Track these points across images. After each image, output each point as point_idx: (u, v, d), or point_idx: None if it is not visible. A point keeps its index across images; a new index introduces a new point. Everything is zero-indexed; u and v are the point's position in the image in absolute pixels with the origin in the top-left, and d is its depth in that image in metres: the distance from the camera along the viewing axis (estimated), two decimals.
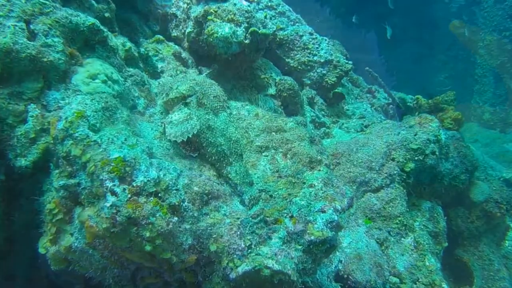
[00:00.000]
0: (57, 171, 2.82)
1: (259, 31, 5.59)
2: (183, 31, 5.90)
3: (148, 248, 2.55)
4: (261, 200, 3.19)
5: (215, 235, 2.85)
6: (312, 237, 2.92)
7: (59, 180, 2.67)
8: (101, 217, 2.51)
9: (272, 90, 6.40)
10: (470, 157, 6.58)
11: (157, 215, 2.59)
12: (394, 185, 5.63)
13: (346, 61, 8.22)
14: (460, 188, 6.56)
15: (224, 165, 3.30)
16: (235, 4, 5.61)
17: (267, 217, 3.06)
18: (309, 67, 7.96)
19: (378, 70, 9.94)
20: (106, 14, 4.09)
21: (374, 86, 10.65)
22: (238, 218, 2.97)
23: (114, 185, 2.56)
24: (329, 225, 3.00)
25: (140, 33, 5.55)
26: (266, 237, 2.95)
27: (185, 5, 5.86)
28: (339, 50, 9.40)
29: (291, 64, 7.81)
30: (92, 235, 2.62)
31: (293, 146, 3.54)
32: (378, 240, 5.24)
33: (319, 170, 3.38)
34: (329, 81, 7.97)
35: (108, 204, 2.51)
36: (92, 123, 2.79)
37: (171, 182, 2.76)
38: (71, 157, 2.69)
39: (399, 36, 20.00)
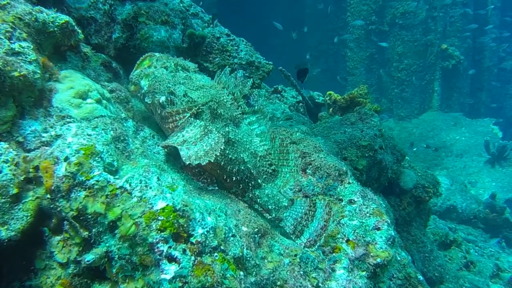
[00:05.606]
0: (59, 238, 1.91)
1: (197, 33, 5.04)
2: (106, 37, 4.92)
3: None
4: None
5: (279, 282, 2.28)
6: (378, 260, 2.57)
7: (87, 254, 1.79)
8: None
9: None
10: (398, 147, 6.98)
11: (228, 275, 1.93)
12: None
13: (267, 62, 8.02)
14: (393, 178, 6.91)
15: (250, 187, 2.69)
16: (166, 4, 4.93)
17: (322, 246, 2.60)
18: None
19: None
20: None
21: (280, 86, 10.71)
22: (295, 255, 2.45)
23: (170, 247, 1.82)
24: (389, 242, 2.68)
25: None
26: (330, 270, 2.50)
27: (107, 7, 4.88)
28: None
29: (210, 69, 7.29)
30: None
31: (312, 159, 3.12)
32: None
33: (350, 183, 3.03)
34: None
35: (168, 276, 1.77)
36: (108, 162, 1.95)
37: (226, 228, 2.11)
38: (88, 216, 1.83)
39: (269, 31, 20.65)
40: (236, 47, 7.93)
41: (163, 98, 2.61)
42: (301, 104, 10.37)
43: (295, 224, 2.67)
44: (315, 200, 2.78)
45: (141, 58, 2.97)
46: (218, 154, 2.39)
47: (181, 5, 7.72)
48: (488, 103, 17.37)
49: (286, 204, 2.72)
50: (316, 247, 2.56)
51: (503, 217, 10.02)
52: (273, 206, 2.70)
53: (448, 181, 11.35)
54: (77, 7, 5.01)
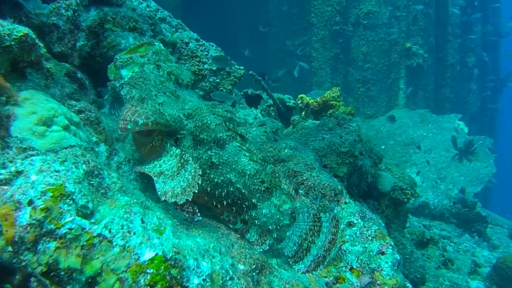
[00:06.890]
0: None
1: (167, 40, 4.75)
2: (70, 45, 4.52)
3: None
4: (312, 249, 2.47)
5: None
6: None
7: None
8: None
9: None
10: (375, 150, 6.89)
11: None
12: None
13: (238, 67, 7.75)
14: (372, 182, 6.82)
15: (245, 208, 2.44)
16: (134, 9, 4.60)
17: (325, 277, 2.37)
18: (200, 77, 7.21)
19: None
20: None
21: (249, 90, 10.46)
22: None
23: None
24: (395, 267, 2.49)
25: None
26: None
27: (70, 13, 4.48)
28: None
29: None
30: None
31: (304, 178, 2.89)
32: None
33: (346, 203, 2.82)
34: (224, 90, 7.36)
35: None
36: (82, 204, 1.63)
37: (223, 272, 1.83)
38: (61, 272, 1.51)
39: (234, 35, 20.44)
40: (206, 53, 7.57)
41: (138, 95, 2.39)
42: (272, 108, 10.16)
43: (300, 241, 2.45)
44: (319, 214, 2.58)
45: (138, 43, 2.78)
46: (196, 190, 2.14)
47: (148, 9, 7.32)
48: (452, 99, 17.85)
49: (288, 222, 2.49)
50: (326, 263, 2.37)
51: (475, 211, 10.22)
52: (274, 226, 2.46)
53: (419, 178, 11.49)
54: (38, 13, 4.54)
